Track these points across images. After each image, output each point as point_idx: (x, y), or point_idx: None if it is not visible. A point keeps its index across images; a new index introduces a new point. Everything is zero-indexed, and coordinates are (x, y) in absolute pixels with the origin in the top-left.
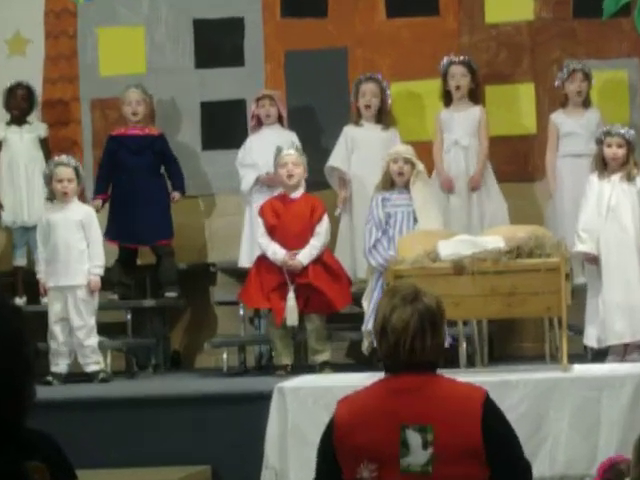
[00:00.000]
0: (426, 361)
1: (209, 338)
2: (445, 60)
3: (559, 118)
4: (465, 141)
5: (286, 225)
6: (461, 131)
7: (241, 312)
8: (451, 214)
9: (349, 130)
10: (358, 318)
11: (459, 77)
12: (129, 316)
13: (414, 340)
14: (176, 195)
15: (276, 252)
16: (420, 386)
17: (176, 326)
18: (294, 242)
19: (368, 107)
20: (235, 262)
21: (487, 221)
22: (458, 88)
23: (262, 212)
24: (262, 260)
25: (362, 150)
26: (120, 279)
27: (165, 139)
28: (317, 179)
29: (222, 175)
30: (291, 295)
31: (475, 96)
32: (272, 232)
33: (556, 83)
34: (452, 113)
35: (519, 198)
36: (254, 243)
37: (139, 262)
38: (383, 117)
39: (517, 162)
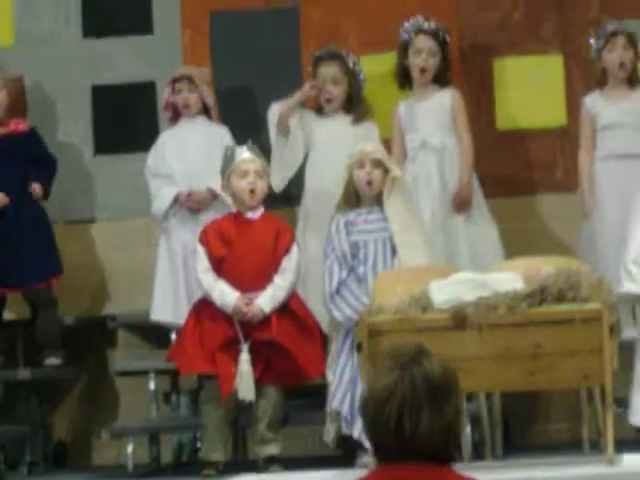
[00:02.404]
0: (425, 448)
1: (108, 424)
2: (409, 25)
3: (595, 102)
4: (436, 140)
5: (241, 257)
6: (429, 127)
7: (152, 386)
8: None
9: (306, 119)
10: (316, 392)
11: (426, 55)
12: None
13: (402, 416)
14: (36, 187)
15: (225, 294)
16: None
17: (61, 406)
18: (251, 281)
19: (330, 100)
20: (143, 314)
21: (477, 253)
22: (423, 71)
23: (205, 238)
24: (203, 306)
25: (323, 151)
26: None
27: (38, 135)
28: None
29: (124, 190)
30: (245, 357)
31: (443, 78)
32: (219, 267)
33: (591, 53)
34: (413, 104)
35: (543, 217)
36: (173, 289)
37: (6, 316)
38: (354, 106)
39: (539, 167)
